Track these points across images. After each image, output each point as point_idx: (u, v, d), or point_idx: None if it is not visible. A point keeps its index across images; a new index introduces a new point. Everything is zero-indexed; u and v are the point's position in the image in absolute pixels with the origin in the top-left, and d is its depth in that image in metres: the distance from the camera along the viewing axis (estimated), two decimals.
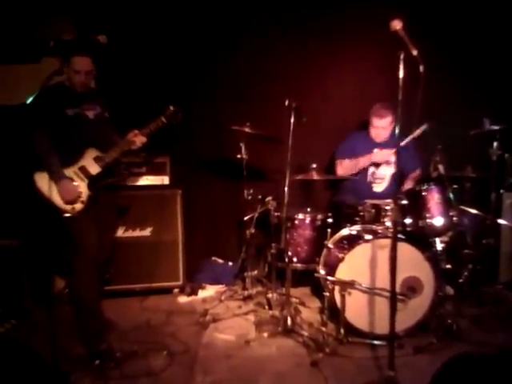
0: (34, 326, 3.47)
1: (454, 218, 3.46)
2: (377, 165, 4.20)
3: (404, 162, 3.86)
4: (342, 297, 3.17)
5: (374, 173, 4.22)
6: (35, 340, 2.62)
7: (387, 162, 4.19)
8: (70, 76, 3.16)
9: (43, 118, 3.10)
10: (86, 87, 3.23)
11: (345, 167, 4.22)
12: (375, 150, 4.15)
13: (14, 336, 3.31)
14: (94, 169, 3.21)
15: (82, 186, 3.16)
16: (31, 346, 2.38)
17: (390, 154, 4.08)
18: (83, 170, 3.18)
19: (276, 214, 4.02)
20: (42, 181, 3.10)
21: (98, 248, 3.16)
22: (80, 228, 3.12)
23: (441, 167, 3.52)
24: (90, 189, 3.17)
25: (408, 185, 4.09)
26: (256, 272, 4.54)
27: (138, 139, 3.29)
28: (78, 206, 3.13)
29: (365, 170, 4.20)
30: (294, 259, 3.94)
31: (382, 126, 4.09)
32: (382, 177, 4.22)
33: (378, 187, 4.23)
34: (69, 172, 3.15)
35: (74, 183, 3.14)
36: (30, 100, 2.96)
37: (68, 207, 3.10)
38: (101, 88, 3.35)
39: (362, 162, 4.13)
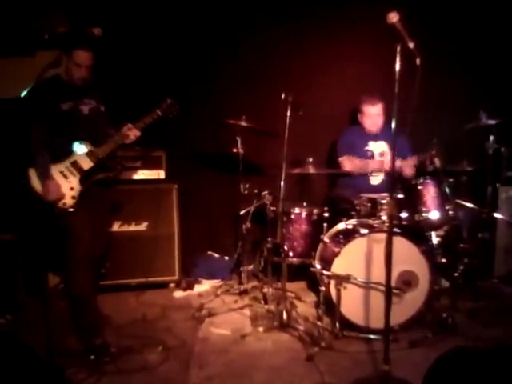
0: (29, 320, 3.45)
1: (450, 212, 3.48)
2: (372, 158, 4.21)
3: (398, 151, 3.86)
4: (338, 291, 3.17)
5: None
6: (30, 335, 2.60)
7: (382, 154, 4.21)
8: (69, 68, 3.14)
9: (38, 111, 3.08)
10: (84, 81, 3.21)
11: (354, 165, 4.16)
12: (370, 145, 4.19)
13: (8, 331, 3.31)
14: (87, 164, 3.18)
15: (73, 182, 3.14)
16: (26, 340, 2.37)
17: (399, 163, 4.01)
18: (75, 164, 3.16)
19: (272, 208, 4.01)
20: (36, 177, 3.08)
21: (93, 242, 3.15)
22: (74, 223, 3.10)
23: (437, 161, 3.52)
24: (82, 184, 3.15)
25: (407, 170, 3.99)
26: (252, 266, 4.53)
27: (132, 133, 3.27)
28: (69, 202, 3.11)
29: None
30: (290, 254, 3.94)
31: (376, 113, 4.12)
32: None
33: (375, 180, 4.22)
34: (60, 167, 3.12)
35: (67, 179, 3.12)
36: (24, 93, 2.93)
37: (59, 202, 3.08)
38: (97, 81, 3.33)
39: (372, 166, 4.15)
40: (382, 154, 4.22)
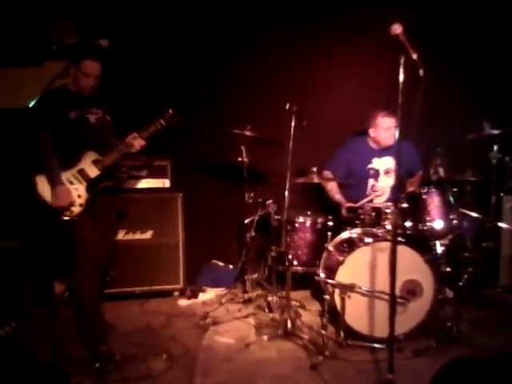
0: (35, 328, 3.46)
1: (454, 221, 3.47)
2: (376, 177, 4.17)
3: (406, 165, 3.82)
4: (342, 300, 3.17)
5: (373, 186, 4.19)
6: (35, 343, 2.62)
7: (387, 172, 4.17)
8: (76, 79, 3.18)
9: (46, 120, 3.13)
10: (92, 91, 3.25)
11: (329, 187, 4.24)
12: (374, 162, 4.16)
13: (14, 338, 3.32)
14: (93, 172, 3.22)
15: (80, 189, 3.18)
16: (31, 348, 2.38)
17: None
18: (82, 172, 3.20)
19: (276, 217, 4.02)
20: (43, 184, 3.12)
21: (98, 250, 3.17)
22: (80, 231, 3.13)
23: (441, 170, 3.53)
24: (89, 192, 3.19)
25: (410, 188, 3.94)
26: (256, 275, 4.54)
27: (137, 142, 3.30)
28: (77, 210, 3.14)
29: (365, 182, 4.18)
30: (295, 262, 3.94)
31: (392, 126, 3.98)
32: (382, 190, 4.17)
33: (378, 200, 4.14)
34: (67, 175, 3.17)
35: (73, 186, 3.16)
36: (32, 103, 2.97)
37: (67, 210, 3.11)
38: (102, 90, 3.37)
39: (338, 200, 4.16)
40: (387, 172, 4.17)
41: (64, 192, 3.12)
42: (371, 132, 4.16)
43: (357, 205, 3.90)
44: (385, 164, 4.18)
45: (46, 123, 3.13)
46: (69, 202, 3.12)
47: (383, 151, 4.17)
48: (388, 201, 4.09)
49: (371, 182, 4.19)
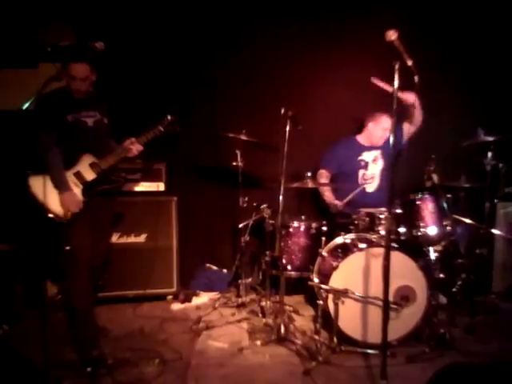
0: (26, 331, 3.44)
1: (448, 228, 3.49)
2: (365, 166, 4.27)
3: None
4: (336, 305, 3.17)
5: (364, 174, 4.27)
6: (27, 346, 2.60)
7: (374, 160, 4.29)
8: (67, 81, 3.19)
9: (46, 122, 3.12)
10: (84, 93, 3.25)
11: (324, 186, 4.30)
12: (364, 154, 4.24)
13: (5, 342, 3.30)
14: (90, 175, 3.22)
15: (76, 192, 3.17)
16: (23, 352, 2.37)
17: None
18: (78, 175, 3.19)
19: (271, 221, 4.03)
20: (37, 185, 3.10)
21: (93, 253, 3.16)
22: (74, 233, 3.12)
23: (435, 177, 3.54)
24: (85, 195, 3.19)
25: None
26: (250, 279, 4.54)
27: (135, 147, 3.32)
28: (71, 213, 3.13)
29: (355, 174, 4.27)
30: (288, 267, 3.95)
31: (389, 128, 4.07)
32: (372, 176, 4.28)
33: (370, 187, 4.26)
34: None
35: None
36: (27, 105, 2.94)
37: (61, 213, 3.10)
38: (98, 94, 3.37)
39: (327, 198, 4.24)
40: (374, 160, 4.29)
41: (73, 198, 3.14)
42: (370, 126, 4.27)
43: (344, 201, 3.92)
44: (372, 155, 4.31)
45: (45, 125, 3.13)
46: (78, 207, 3.14)
47: (372, 146, 4.31)
48: (380, 185, 4.23)
49: (361, 171, 4.29)
